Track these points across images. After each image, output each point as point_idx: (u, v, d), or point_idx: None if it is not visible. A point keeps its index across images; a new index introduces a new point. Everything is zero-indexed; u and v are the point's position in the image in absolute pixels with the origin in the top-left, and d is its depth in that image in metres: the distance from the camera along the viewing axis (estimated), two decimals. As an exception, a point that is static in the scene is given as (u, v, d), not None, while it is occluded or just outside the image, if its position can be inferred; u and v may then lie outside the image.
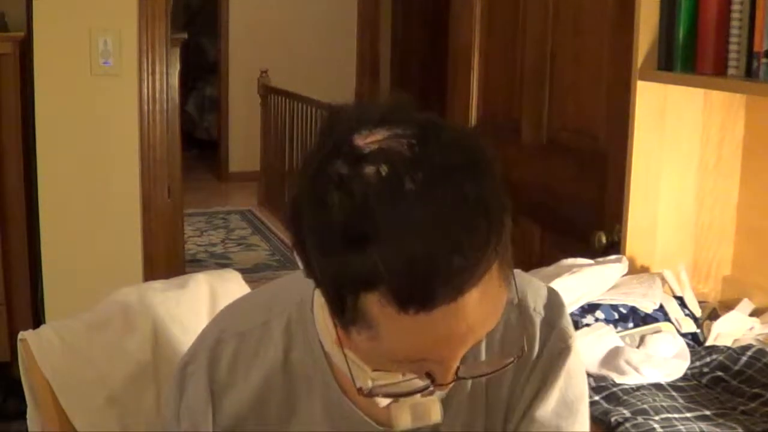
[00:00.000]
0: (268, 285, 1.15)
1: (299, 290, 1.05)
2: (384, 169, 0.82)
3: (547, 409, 1.06)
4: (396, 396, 0.94)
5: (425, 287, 0.80)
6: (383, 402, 0.98)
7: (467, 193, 0.82)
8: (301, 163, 0.89)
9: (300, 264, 0.90)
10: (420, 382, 0.91)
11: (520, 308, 1.04)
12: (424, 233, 0.80)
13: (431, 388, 0.90)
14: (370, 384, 0.93)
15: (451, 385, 0.92)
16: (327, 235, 0.83)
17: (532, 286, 1.09)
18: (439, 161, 0.82)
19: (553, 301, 1.08)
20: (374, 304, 0.82)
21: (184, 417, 1.06)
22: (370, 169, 0.82)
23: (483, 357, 1.05)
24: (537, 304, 1.07)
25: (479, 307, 0.84)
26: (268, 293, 1.13)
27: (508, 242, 0.87)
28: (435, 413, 0.98)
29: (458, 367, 0.90)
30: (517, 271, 0.99)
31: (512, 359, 0.95)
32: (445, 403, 1.01)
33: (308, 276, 0.89)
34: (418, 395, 0.94)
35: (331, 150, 0.85)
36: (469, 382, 1.04)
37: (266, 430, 1.05)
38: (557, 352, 1.07)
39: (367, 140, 0.84)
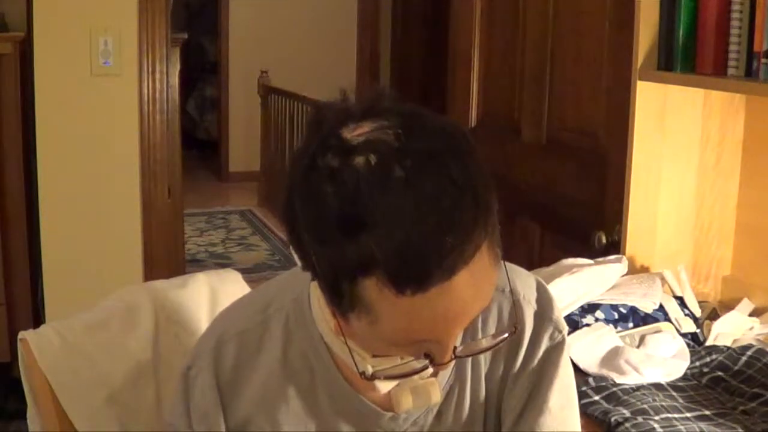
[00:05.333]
0: (262, 286, 1.17)
1: (294, 288, 1.09)
2: (373, 159, 0.84)
3: (554, 400, 1.10)
4: (397, 377, 0.96)
5: (420, 268, 0.83)
6: (385, 388, 1.00)
7: (454, 175, 0.84)
8: (291, 160, 0.91)
9: (296, 258, 0.92)
10: (419, 364, 0.93)
11: (511, 297, 1.08)
12: (415, 217, 0.82)
13: (430, 369, 0.93)
14: (370, 369, 0.95)
15: (450, 365, 0.95)
16: (322, 225, 0.85)
17: (522, 277, 1.12)
18: (424, 148, 0.86)
19: (543, 294, 1.12)
20: (372, 288, 0.85)
21: (195, 420, 1.07)
22: (359, 160, 0.84)
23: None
24: (527, 294, 1.11)
25: (472, 285, 0.86)
26: (262, 294, 1.14)
27: (496, 222, 0.89)
28: (435, 394, 1.02)
29: (455, 348, 0.93)
30: (508, 264, 1.04)
31: (506, 335, 0.99)
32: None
33: (305, 268, 0.91)
34: (418, 378, 0.98)
35: (320, 145, 0.87)
36: (469, 372, 1.08)
37: (276, 424, 1.07)
38: (556, 343, 1.11)
39: (354, 133, 0.87)
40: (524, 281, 1.12)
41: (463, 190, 0.85)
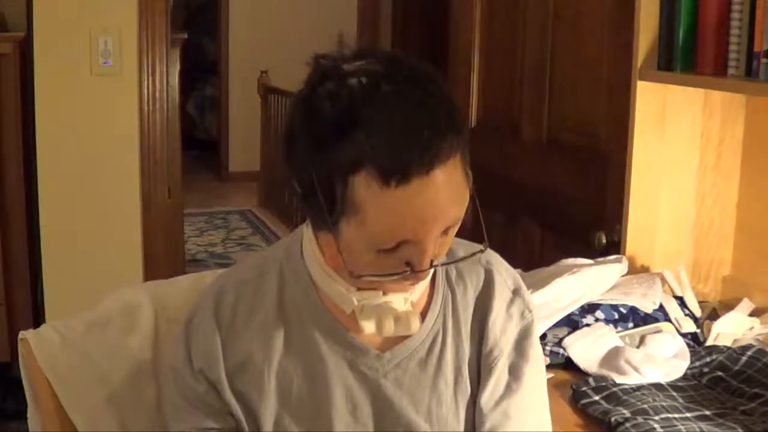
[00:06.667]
0: (257, 252, 1.26)
1: (286, 246, 1.21)
2: (364, 80, 1.00)
3: (526, 380, 1.20)
4: (380, 277, 1.06)
5: (402, 159, 0.96)
6: (369, 328, 1.11)
7: (433, 91, 1.02)
8: (293, 98, 1.06)
9: (295, 184, 1.04)
10: (400, 270, 1.04)
11: (486, 267, 1.22)
12: (398, 117, 0.98)
13: (408, 274, 1.04)
14: (355, 301, 1.10)
15: (428, 274, 1.07)
16: (319, 132, 1.00)
17: (503, 263, 1.25)
18: (407, 73, 1.02)
19: (519, 281, 1.24)
20: (360, 184, 0.98)
21: (195, 360, 1.15)
22: (353, 81, 1.00)
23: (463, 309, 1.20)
24: (502, 270, 1.23)
25: (447, 188, 1.00)
26: (257, 256, 1.25)
27: (467, 147, 1.03)
28: (415, 323, 1.11)
29: (432, 261, 1.04)
30: (491, 251, 1.19)
31: (477, 251, 1.12)
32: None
33: (303, 190, 1.03)
34: (401, 310, 1.11)
35: (321, 77, 1.02)
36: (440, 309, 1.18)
37: (271, 366, 1.15)
38: (527, 323, 1.22)
39: (348, 66, 1.02)
40: (505, 268, 1.24)
41: (439, 100, 1.01)
